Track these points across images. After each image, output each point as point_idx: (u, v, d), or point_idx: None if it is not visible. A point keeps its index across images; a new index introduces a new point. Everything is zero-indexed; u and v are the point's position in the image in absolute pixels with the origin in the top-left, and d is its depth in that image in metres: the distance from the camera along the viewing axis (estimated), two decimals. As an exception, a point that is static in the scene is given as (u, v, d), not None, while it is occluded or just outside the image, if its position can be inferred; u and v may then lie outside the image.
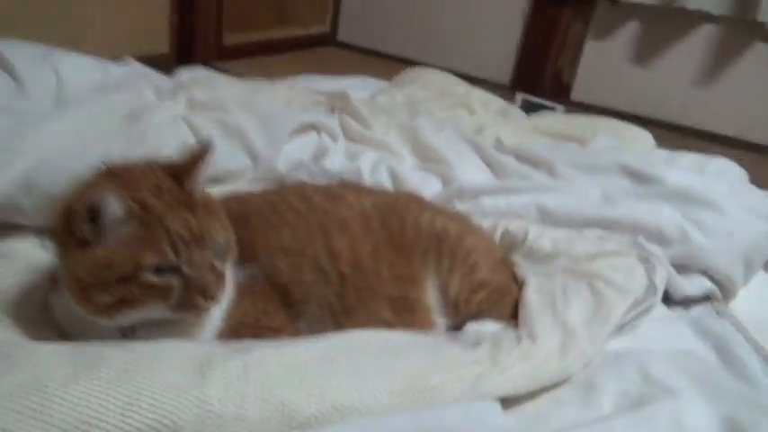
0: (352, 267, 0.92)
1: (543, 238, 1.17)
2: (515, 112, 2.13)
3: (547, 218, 1.29)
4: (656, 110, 3.28)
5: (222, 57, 3.17)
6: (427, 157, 1.50)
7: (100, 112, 1.14)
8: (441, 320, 0.98)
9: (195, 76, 1.53)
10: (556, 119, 2.08)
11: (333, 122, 1.53)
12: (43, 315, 0.83)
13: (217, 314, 0.81)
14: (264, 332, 0.84)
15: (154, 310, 0.72)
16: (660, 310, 1.10)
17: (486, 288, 1.01)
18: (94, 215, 0.70)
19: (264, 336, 0.82)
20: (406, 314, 0.94)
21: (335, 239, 0.94)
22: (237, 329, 0.84)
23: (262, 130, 1.34)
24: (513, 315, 0.99)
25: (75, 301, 0.73)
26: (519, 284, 1.05)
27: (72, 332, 0.78)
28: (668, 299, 1.16)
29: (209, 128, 1.27)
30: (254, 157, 1.29)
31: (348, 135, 1.55)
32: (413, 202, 1.09)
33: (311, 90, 1.73)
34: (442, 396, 0.74)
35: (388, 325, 0.91)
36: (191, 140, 1.23)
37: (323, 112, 1.56)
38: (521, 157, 1.52)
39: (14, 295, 0.84)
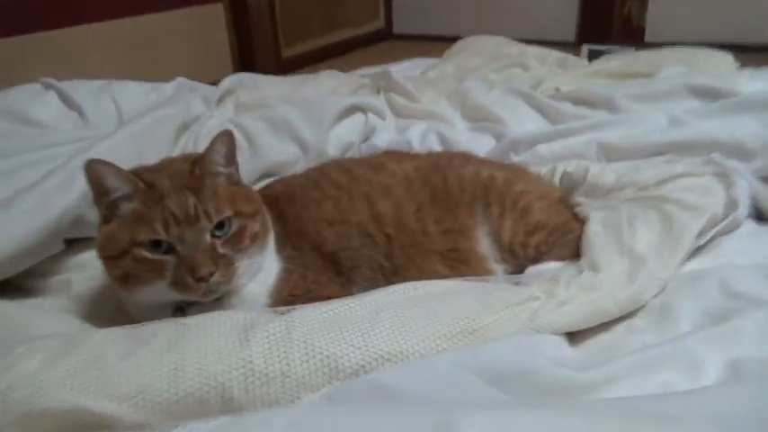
0: (397, 228, 0.92)
1: (605, 173, 1.10)
2: (574, 61, 2.03)
3: (610, 153, 1.22)
4: (739, 34, 3.01)
5: (283, 70, 3.26)
6: (478, 118, 1.46)
7: (153, 125, 1.20)
8: (498, 267, 0.95)
9: (241, 80, 1.59)
10: (620, 59, 1.95)
11: (378, 102, 1.53)
12: (118, 315, 0.89)
13: (258, 292, 0.82)
14: (317, 301, 0.85)
15: (155, 287, 0.75)
16: (749, 225, 1.00)
17: (543, 229, 0.96)
18: (100, 189, 0.76)
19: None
20: (459, 266, 0.92)
21: (379, 205, 0.94)
22: (289, 303, 0.85)
23: (307, 118, 1.36)
24: (576, 255, 0.94)
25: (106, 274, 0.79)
26: (581, 223, 0.99)
27: (138, 319, 0.83)
28: (761, 215, 1.05)
29: (255, 125, 1.31)
30: (302, 145, 1.32)
31: (396, 111, 1.54)
32: (456, 158, 1.06)
33: (355, 76, 1.74)
34: (494, 336, 0.71)
35: (442, 278, 0.89)
36: (239, 140, 1.27)
37: (368, 94, 1.56)
38: (577, 101, 1.44)
39: (88, 297, 0.90)
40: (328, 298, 0.87)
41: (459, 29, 3.83)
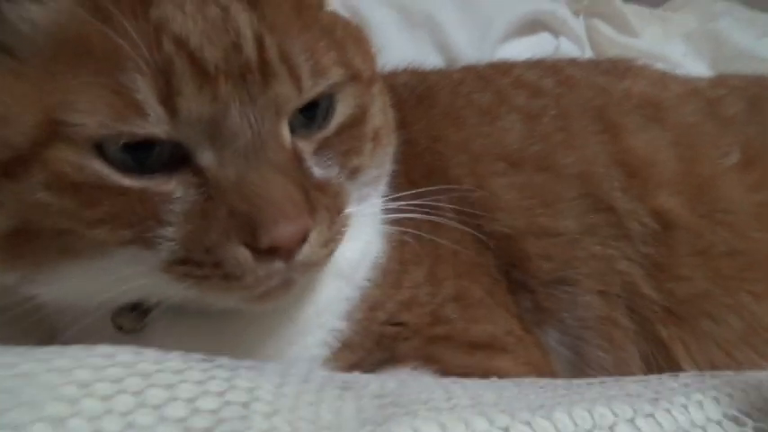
0: (689, 201, 0.44)
1: None
2: None
3: None
4: None
5: None
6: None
7: None
8: None
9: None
10: None
11: (576, 22, 0.98)
12: None
13: (330, 298, 0.38)
14: (463, 351, 0.39)
15: (112, 270, 0.33)
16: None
17: None
18: None
19: (465, 362, 0.38)
20: None
21: (635, 140, 0.47)
22: (382, 341, 0.40)
23: (464, 20, 0.88)
24: None
25: None
26: None
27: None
28: None
29: (379, 13, 0.83)
30: (449, 57, 0.85)
31: (596, 45, 1.02)
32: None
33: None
34: None
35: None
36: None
37: (562, 4, 1.01)
38: None
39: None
40: (491, 342, 0.40)
41: None
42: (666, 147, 0.45)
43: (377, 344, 0.37)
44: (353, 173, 0.36)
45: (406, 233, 0.39)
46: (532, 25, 0.93)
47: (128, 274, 0.31)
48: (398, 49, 0.82)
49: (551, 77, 0.51)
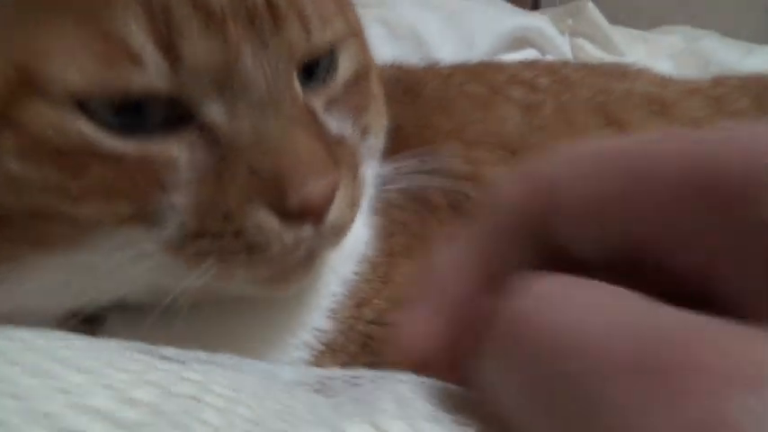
0: None
1: None
2: None
3: None
4: None
5: None
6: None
7: None
8: None
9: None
10: None
11: (562, 40, 0.97)
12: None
13: (304, 294, 0.33)
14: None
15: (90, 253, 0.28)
16: None
17: None
18: None
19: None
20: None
21: (642, 132, 0.42)
22: (379, 341, 0.34)
23: (449, 35, 0.84)
24: None
25: None
26: None
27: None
28: None
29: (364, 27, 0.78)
30: None
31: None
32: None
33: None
34: None
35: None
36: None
37: (547, 21, 0.99)
38: None
39: None
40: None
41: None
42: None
43: (362, 347, 0.33)
44: (364, 132, 0.32)
45: (394, 224, 0.35)
46: (518, 42, 0.90)
47: (119, 266, 0.26)
48: (381, 58, 0.80)
49: (547, 77, 0.48)
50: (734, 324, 0.14)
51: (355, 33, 0.33)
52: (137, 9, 0.24)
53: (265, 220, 0.26)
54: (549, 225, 0.21)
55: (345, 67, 0.32)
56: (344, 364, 0.33)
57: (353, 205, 0.30)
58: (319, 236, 0.27)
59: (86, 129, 0.25)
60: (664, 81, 0.52)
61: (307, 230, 0.27)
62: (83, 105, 0.25)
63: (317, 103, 0.30)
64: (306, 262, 0.28)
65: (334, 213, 0.27)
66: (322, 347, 0.33)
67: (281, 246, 0.26)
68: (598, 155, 0.21)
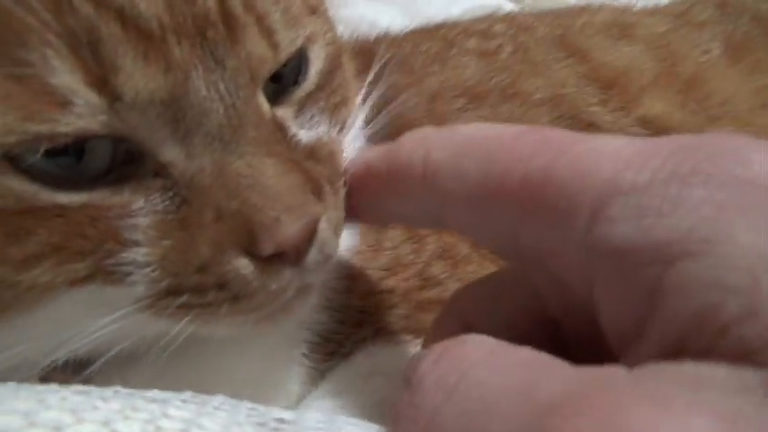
0: (681, 101, 0.41)
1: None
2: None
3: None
4: None
5: None
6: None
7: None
8: None
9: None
10: None
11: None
12: None
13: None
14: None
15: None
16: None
17: None
18: None
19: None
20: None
21: (604, 56, 0.44)
22: (373, 313, 0.33)
23: (407, 22, 0.82)
24: None
25: None
26: None
27: None
28: None
29: None
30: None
31: None
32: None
33: None
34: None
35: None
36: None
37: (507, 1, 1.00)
38: None
39: None
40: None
41: None
42: (640, 55, 0.41)
43: (358, 324, 0.31)
44: (343, 124, 0.30)
45: None
46: (478, 19, 0.91)
47: (92, 323, 0.23)
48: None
49: (502, 23, 0.48)
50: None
51: (319, 11, 0.30)
52: (57, 42, 0.21)
53: (243, 267, 0.23)
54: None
55: (318, 58, 0.29)
56: (339, 346, 0.32)
57: (338, 227, 0.27)
58: (306, 272, 0.25)
59: (20, 185, 0.22)
60: (624, 8, 0.52)
61: (287, 274, 0.24)
62: (12, 159, 0.22)
63: (288, 113, 0.27)
64: (296, 299, 0.26)
65: (317, 247, 0.25)
66: (318, 339, 0.32)
67: (265, 293, 0.24)
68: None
